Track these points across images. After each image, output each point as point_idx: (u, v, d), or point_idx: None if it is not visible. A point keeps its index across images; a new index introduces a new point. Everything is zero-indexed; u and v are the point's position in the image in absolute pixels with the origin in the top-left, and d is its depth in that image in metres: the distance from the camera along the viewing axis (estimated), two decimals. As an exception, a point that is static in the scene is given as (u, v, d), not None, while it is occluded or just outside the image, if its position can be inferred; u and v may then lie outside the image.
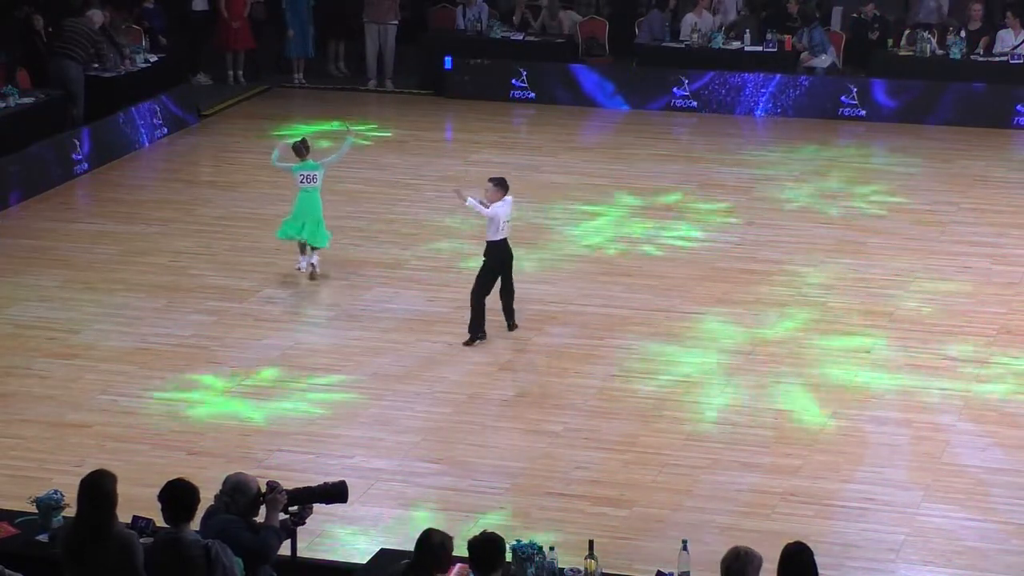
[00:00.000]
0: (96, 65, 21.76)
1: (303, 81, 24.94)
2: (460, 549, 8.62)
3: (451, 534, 8.21)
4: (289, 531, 8.73)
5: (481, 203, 14.71)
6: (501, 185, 14.70)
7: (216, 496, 8.62)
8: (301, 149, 16.42)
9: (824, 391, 13.83)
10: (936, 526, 11.53)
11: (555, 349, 14.74)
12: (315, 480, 8.96)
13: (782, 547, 7.89)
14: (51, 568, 8.45)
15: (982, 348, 14.76)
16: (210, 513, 8.56)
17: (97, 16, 22.12)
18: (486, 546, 8.00)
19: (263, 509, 8.59)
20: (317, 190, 16.28)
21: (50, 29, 22.03)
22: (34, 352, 14.61)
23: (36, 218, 18.57)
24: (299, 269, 16.47)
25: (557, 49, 24.37)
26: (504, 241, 14.68)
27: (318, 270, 16.34)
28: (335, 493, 8.80)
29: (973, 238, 17.79)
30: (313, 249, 16.34)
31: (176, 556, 8.06)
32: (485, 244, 14.79)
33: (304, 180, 16.26)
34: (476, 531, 8.19)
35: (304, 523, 8.75)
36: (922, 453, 12.69)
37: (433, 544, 8.09)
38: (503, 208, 14.61)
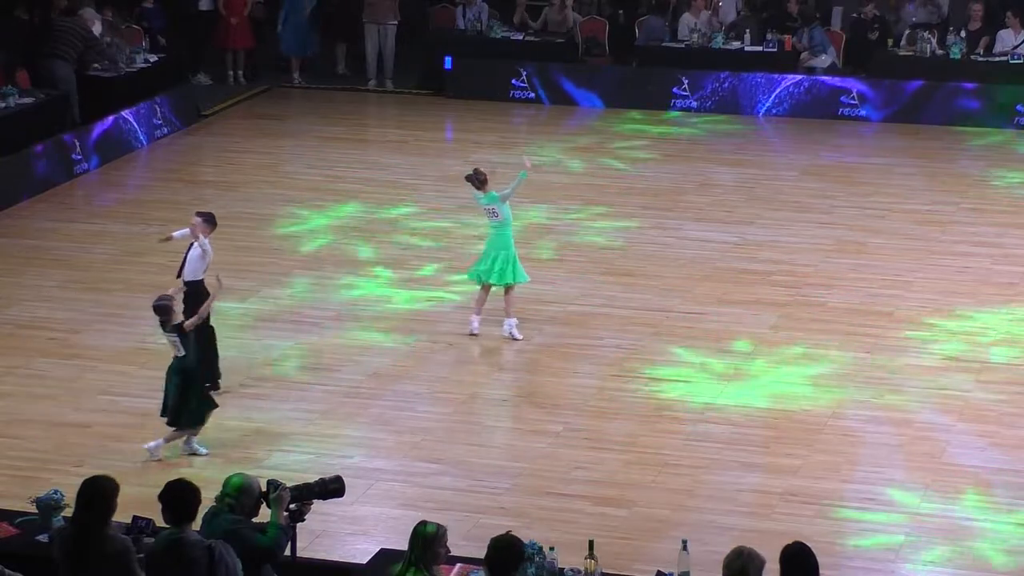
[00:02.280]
0: (97, 65, 21.76)
1: (300, 80, 24.94)
2: (461, 550, 8.63)
3: (450, 535, 8.20)
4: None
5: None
6: (211, 221, 13.50)
7: (217, 498, 8.60)
8: (474, 180, 14.67)
9: (824, 391, 13.83)
10: (936, 526, 11.53)
11: (555, 349, 14.74)
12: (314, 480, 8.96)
13: (781, 547, 7.89)
14: (51, 568, 8.45)
15: (982, 348, 14.76)
16: (213, 514, 8.53)
17: (89, 14, 22.02)
18: (507, 550, 7.94)
19: (264, 508, 8.59)
20: (503, 225, 14.62)
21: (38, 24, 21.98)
22: (34, 352, 14.61)
23: (36, 218, 18.57)
24: (472, 334, 14.83)
25: (557, 49, 24.36)
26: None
27: (518, 334, 14.77)
28: (334, 489, 8.81)
29: (973, 238, 17.80)
30: (506, 289, 14.75)
31: (179, 556, 8.04)
32: (188, 285, 13.35)
33: (488, 214, 14.71)
34: (477, 531, 8.17)
35: (304, 520, 8.75)
36: (922, 453, 12.69)
37: (427, 535, 8.07)
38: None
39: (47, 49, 21.25)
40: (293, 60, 24.99)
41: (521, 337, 14.83)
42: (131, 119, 21.30)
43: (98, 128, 20.75)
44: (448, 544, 8.21)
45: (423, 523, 8.15)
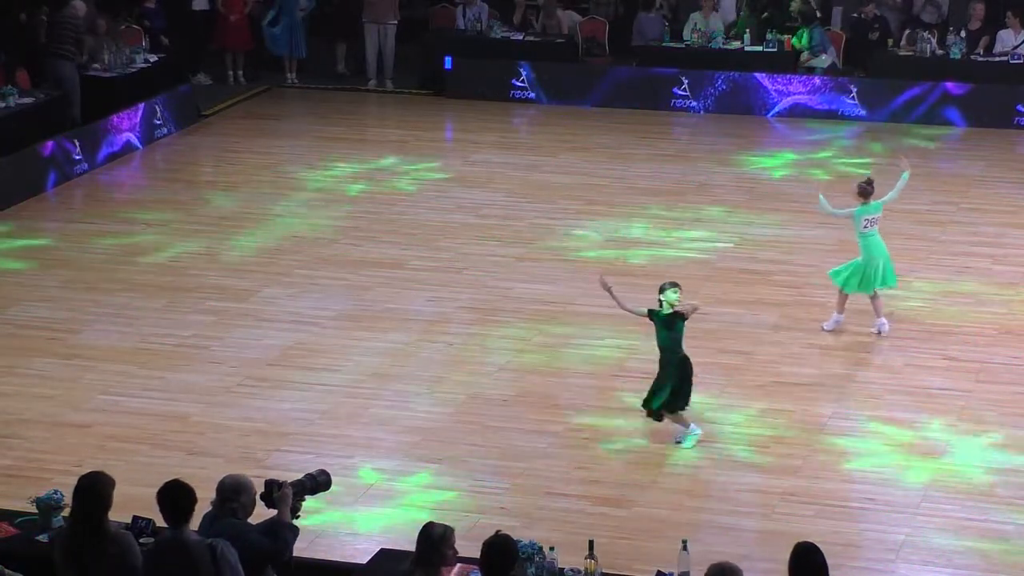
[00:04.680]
0: (97, 65, 21.75)
1: (295, 81, 24.93)
2: (461, 549, 8.62)
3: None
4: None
5: None
6: None
7: (214, 503, 8.52)
8: (867, 189, 14.88)
9: (824, 391, 13.83)
10: (936, 526, 11.53)
11: (555, 349, 14.74)
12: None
13: (781, 547, 7.89)
14: (51, 568, 8.45)
15: (982, 348, 14.76)
16: (213, 518, 8.48)
17: (79, 5, 21.83)
18: (500, 549, 7.94)
19: (265, 507, 8.57)
20: (877, 231, 14.91)
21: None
22: (34, 352, 14.61)
23: (36, 218, 18.58)
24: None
25: (557, 49, 24.37)
26: None
27: (886, 329, 14.93)
28: (322, 482, 8.83)
29: (973, 238, 17.79)
30: (878, 293, 14.94)
31: (181, 557, 8.02)
32: None
33: (868, 224, 14.80)
34: (477, 531, 8.17)
35: (297, 517, 8.74)
36: (922, 453, 12.69)
37: (434, 536, 8.07)
38: None
39: (49, 48, 21.22)
40: (287, 60, 24.98)
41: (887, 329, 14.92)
42: (131, 119, 21.29)
43: (98, 128, 20.75)
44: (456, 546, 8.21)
45: (431, 523, 8.16)
